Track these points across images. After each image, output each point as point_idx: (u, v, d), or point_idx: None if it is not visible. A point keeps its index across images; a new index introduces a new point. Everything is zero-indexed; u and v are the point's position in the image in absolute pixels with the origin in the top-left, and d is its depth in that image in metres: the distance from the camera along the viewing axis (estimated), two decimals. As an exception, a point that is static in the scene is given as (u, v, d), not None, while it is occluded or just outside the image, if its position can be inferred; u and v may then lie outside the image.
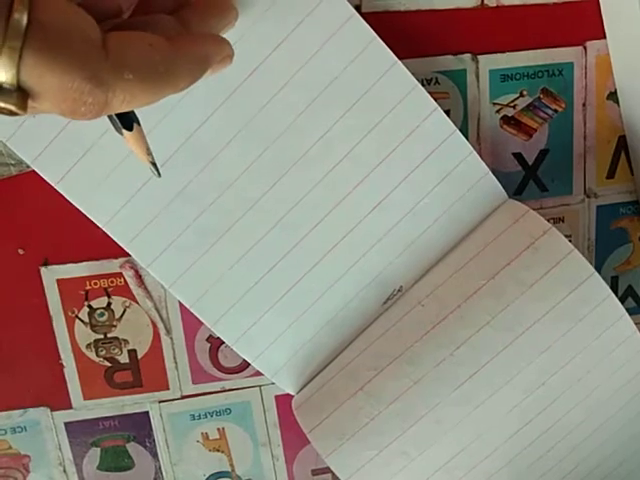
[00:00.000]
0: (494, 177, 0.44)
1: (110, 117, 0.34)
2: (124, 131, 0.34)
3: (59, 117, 0.29)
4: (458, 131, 0.42)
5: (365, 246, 0.44)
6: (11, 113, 0.27)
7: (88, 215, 0.41)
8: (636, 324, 0.44)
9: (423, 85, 0.42)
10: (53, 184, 0.40)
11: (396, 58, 0.41)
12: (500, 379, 0.41)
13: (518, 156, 0.46)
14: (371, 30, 0.40)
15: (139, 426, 0.47)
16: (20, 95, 0.27)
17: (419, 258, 0.44)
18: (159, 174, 0.36)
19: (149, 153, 0.35)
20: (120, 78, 0.28)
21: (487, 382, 0.41)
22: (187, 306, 0.43)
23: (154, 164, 0.36)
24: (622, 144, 0.47)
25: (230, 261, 0.43)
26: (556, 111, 0.45)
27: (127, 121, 0.34)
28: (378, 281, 0.45)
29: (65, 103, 0.28)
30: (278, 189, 0.42)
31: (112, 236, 0.42)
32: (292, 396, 0.46)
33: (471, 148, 0.43)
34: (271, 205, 0.42)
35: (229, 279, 0.43)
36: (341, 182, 0.42)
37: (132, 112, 0.34)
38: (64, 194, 0.41)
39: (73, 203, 0.41)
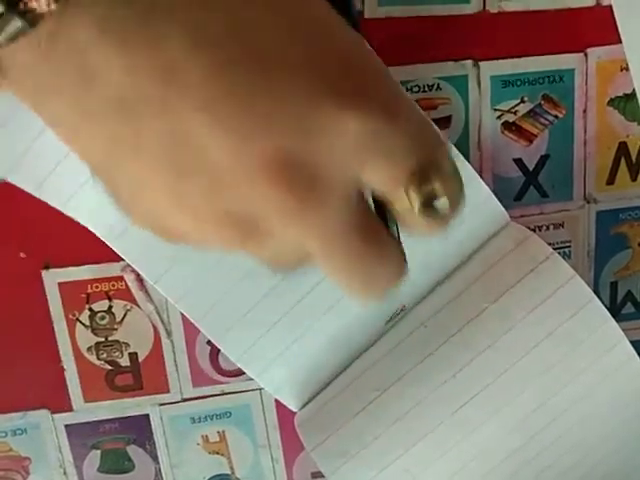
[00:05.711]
0: (497, 200, 0.44)
1: None
2: None
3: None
4: (459, 154, 0.42)
5: None
6: None
7: (96, 234, 0.41)
8: (635, 329, 0.44)
9: (424, 91, 0.42)
10: (60, 208, 0.40)
11: None
12: (500, 401, 0.41)
13: (519, 161, 0.46)
14: None
15: (139, 429, 0.47)
16: None
17: (422, 279, 0.44)
18: None
19: None
20: None
21: (488, 403, 0.41)
22: (193, 321, 0.43)
23: None
24: (622, 150, 0.47)
25: (234, 277, 0.43)
26: (557, 117, 0.45)
27: None
28: None
29: None
30: None
31: (120, 253, 0.41)
32: (292, 398, 0.47)
33: (474, 171, 0.43)
34: None
35: (233, 296, 0.43)
36: None
37: None
38: (74, 217, 0.40)
39: (82, 224, 0.41)
